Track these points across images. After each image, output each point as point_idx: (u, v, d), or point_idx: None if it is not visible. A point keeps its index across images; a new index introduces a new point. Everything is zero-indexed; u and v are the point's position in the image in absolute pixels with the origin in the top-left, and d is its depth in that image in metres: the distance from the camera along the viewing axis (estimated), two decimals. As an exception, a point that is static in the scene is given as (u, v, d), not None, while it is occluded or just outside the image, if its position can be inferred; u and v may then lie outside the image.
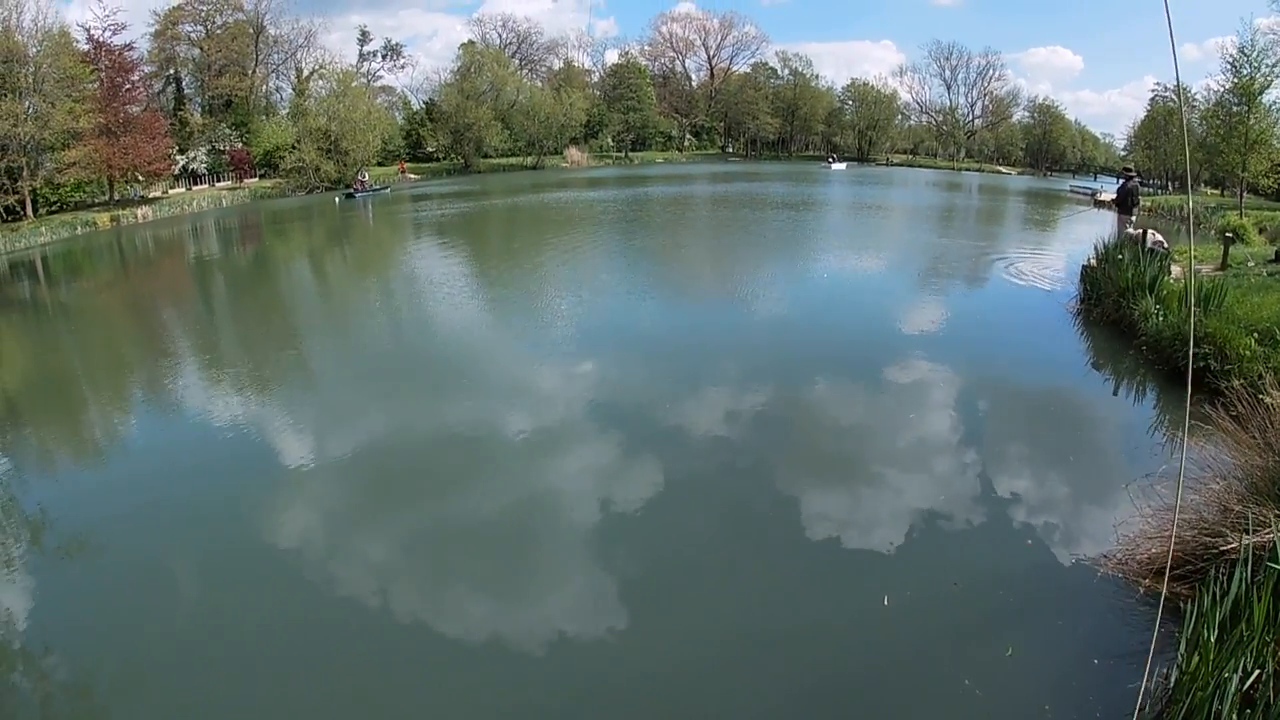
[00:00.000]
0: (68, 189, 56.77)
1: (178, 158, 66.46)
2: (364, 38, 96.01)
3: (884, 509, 8.60)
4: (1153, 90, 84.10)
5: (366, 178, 65.73)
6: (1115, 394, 12.99)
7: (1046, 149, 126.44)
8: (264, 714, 5.95)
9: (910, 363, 13.92)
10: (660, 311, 18.53)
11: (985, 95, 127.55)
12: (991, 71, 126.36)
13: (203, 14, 78.04)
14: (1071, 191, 70.60)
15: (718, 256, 28.05)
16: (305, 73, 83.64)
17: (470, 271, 25.23)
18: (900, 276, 23.24)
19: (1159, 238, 18.45)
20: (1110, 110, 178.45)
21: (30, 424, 13.65)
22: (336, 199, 58.63)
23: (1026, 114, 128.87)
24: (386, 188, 66.52)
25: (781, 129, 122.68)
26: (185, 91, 78.46)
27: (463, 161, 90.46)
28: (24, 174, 53.20)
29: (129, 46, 64.15)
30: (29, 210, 53.42)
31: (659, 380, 12.96)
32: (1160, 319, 13.56)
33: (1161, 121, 73.56)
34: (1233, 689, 4.73)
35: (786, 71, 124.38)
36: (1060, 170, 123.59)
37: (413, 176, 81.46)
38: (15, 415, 14.21)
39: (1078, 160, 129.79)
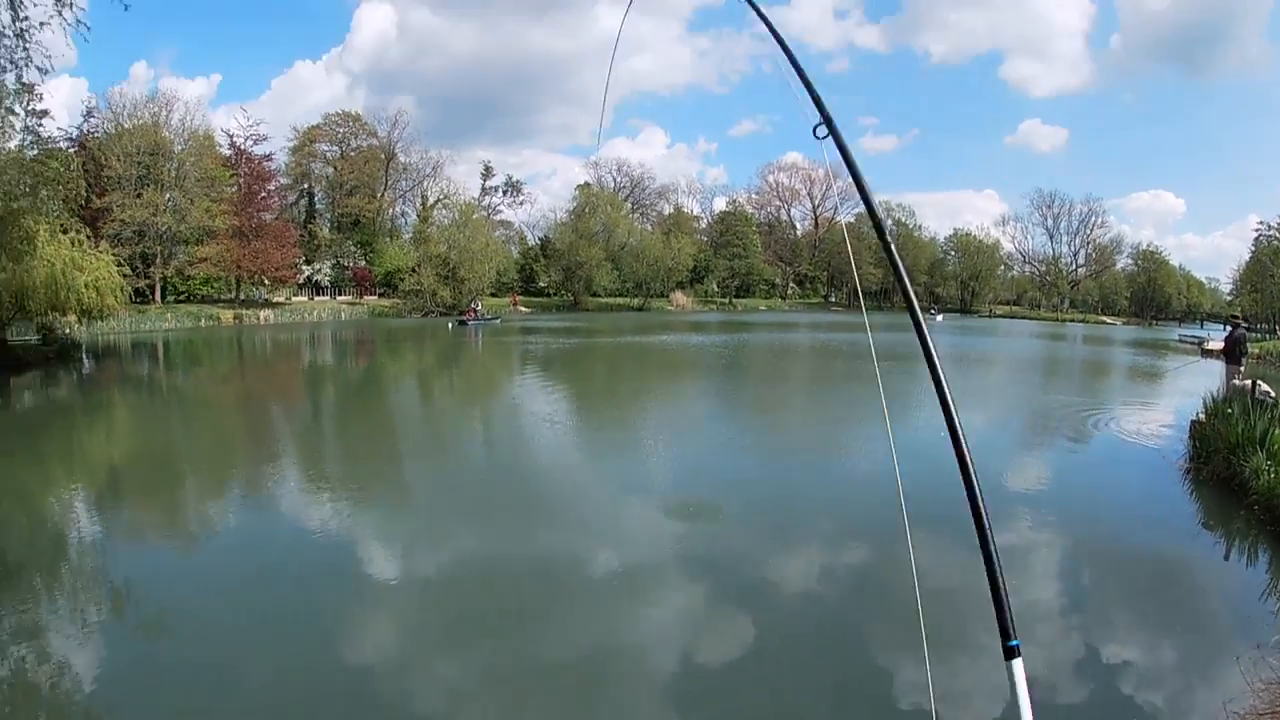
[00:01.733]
0: (196, 282, 60.46)
1: (304, 267, 70.40)
2: (487, 172, 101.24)
3: (985, 677, 8.21)
4: (1256, 229, 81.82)
5: (479, 306, 67.95)
6: (1225, 558, 12.33)
7: (1151, 297, 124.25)
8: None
9: (1011, 522, 13.43)
10: (758, 461, 18.13)
11: (1088, 243, 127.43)
12: (1094, 219, 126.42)
13: (339, 136, 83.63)
14: (1179, 341, 68.64)
15: (820, 407, 27.87)
16: (430, 201, 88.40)
17: (571, 406, 25.46)
18: (1003, 432, 22.67)
19: (1267, 388, 17.75)
20: (1215, 254, 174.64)
21: (129, 499, 14.18)
22: (450, 324, 60.47)
23: (1130, 261, 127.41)
24: (497, 318, 68.51)
25: (884, 279, 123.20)
26: (317, 206, 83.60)
27: (572, 298, 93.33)
28: (157, 261, 57.00)
29: (268, 157, 69.32)
30: (157, 296, 56.80)
31: (750, 530, 12.61)
32: (1272, 476, 12.91)
33: (1267, 262, 71.48)
34: None
35: (890, 221, 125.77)
36: (1166, 318, 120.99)
37: (523, 309, 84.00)
38: (116, 488, 14.88)
39: (1183, 307, 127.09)
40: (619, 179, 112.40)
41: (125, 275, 37.17)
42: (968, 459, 2.46)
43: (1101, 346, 63.81)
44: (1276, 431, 14.67)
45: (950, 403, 2.55)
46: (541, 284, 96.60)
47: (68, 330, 35.83)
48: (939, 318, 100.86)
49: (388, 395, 29.15)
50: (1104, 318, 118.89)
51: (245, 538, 11.90)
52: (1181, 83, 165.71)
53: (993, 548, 2.32)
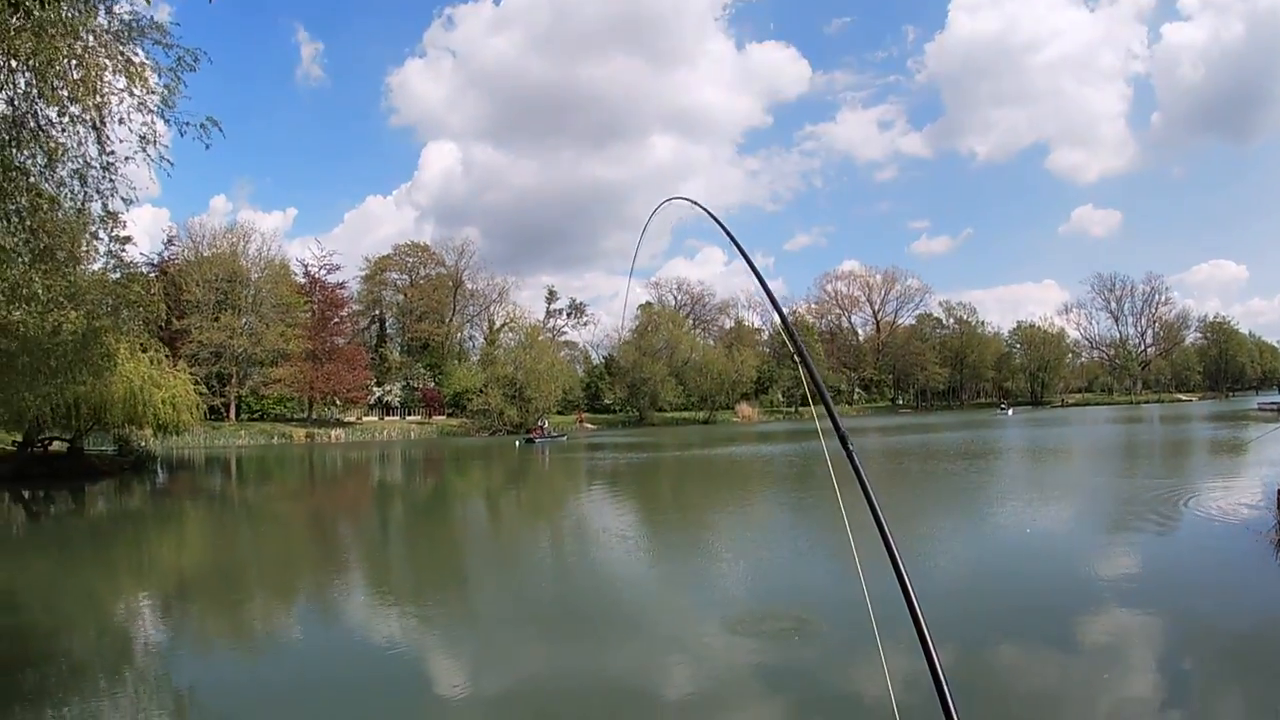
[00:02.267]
0: (270, 401, 62.62)
1: (374, 389, 72.36)
2: (551, 296, 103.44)
3: None
4: None
5: (546, 424, 68.59)
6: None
7: (1225, 368, 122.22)
8: None
9: (1099, 616, 12.74)
10: (830, 571, 17.58)
11: (1155, 322, 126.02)
12: (1157, 296, 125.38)
13: (408, 265, 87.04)
14: (1259, 409, 66.33)
15: (892, 511, 27.34)
16: (496, 324, 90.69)
17: (638, 521, 25.21)
18: (1083, 522, 21.87)
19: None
20: None
21: (196, 608, 14.21)
22: (517, 442, 60.85)
23: (1199, 335, 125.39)
24: (564, 435, 68.73)
25: (950, 378, 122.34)
26: (387, 330, 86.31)
27: (638, 414, 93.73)
28: (233, 381, 59.22)
29: (341, 285, 72.23)
30: (232, 414, 58.70)
31: (822, 644, 12.09)
32: (1368, 536, 12.30)
33: None
34: None
35: (951, 320, 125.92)
36: (1242, 389, 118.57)
37: (590, 426, 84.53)
38: (184, 596, 14.98)
39: (1259, 375, 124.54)
40: (680, 297, 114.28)
41: (201, 393, 38.69)
42: (903, 571, 2.44)
43: (1179, 425, 61.90)
44: None
45: (876, 506, 2.61)
46: (607, 401, 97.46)
47: (143, 443, 36.96)
48: (1009, 412, 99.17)
49: (455, 512, 29.18)
50: (1179, 395, 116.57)
51: (310, 651, 11.75)
52: (1226, 149, 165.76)
53: (940, 669, 2.18)
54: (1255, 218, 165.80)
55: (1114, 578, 14.92)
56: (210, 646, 12.03)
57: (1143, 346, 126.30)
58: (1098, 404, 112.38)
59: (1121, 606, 12.83)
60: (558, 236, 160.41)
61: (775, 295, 3.38)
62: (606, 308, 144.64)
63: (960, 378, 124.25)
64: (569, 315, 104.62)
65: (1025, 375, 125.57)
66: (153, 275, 56.44)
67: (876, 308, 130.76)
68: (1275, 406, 61.30)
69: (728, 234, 4.07)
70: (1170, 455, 40.86)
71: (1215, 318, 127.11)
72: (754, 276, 3.41)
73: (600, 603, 14.66)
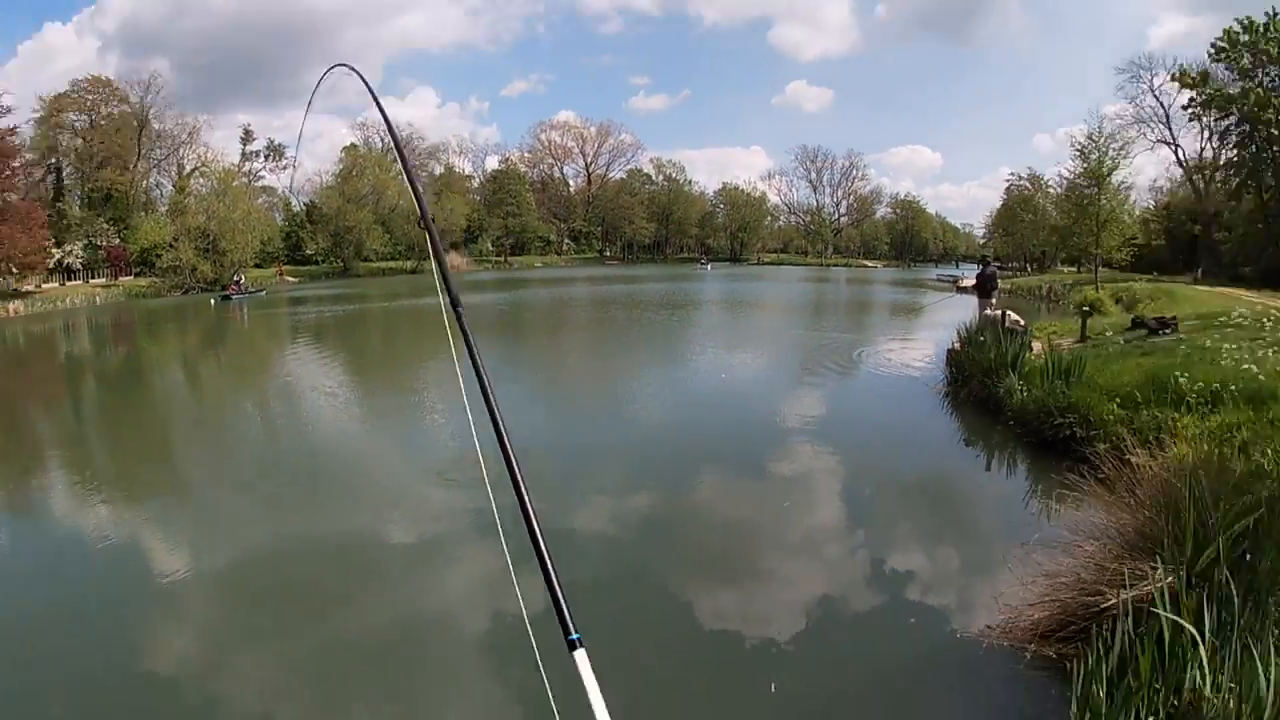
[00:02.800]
0: None
1: (53, 250, 64.08)
2: (247, 136, 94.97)
3: (767, 596, 8.59)
4: (1007, 180, 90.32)
5: (243, 280, 64.26)
6: (988, 469, 13.73)
7: (910, 242, 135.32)
8: None
9: (789, 454, 14.23)
10: (546, 415, 17.71)
11: (850, 195, 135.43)
12: (855, 171, 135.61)
13: (88, 103, 76.31)
14: (936, 280, 74.22)
15: (599, 356, 28.35)
16: (186, 169, 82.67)
17: (344, 378, 24.75)
18: (776, 370, 24.01)
19: (1016, 317, 19.88)
20: (969, 202, 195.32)
21: None
22: (212, 300, 57.00)
23: (890, 210, 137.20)
24: (263, 290, 64.96)
25: (657, 233, 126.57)
26: (65, 182, 76.16)
27: (342, 265, 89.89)
28: None
29: (12, 131, 62.23)
30: None
31: (538, 485, 12.42)
32: (1024, 394, 14.38)
33: (1017, 208, 78.83)
34: (1128, 740, 4.85)
35: (661, 177, 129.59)
36: (924, 261, 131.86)
37: (291, 279, 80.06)
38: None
39: (940, 251, 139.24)
40: (387, 140, 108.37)
41: None
42: (512, 457, 2.60)
43: (864, 287, 68.26)
44: (1027, 355, 16.44)
45: (494, 403, 2.72)
46: (309, 252, 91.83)
47: None
48: (708, 267, 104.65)
49: (151, 382, 27.36)
50: (865, 262, 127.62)
51: (15, 551, 10.95)
52: (940, 50, 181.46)
53: (544, 547, 2.41)
54: (955, 114, 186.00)
55: (803, 420, 16.93)
56: None
57: (837, 215, 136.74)
58: (791, 264, 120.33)
59: (809, 445, 14.83)
60: (257, 69, 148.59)
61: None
62: (309, 149, 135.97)
63: (666, 233, 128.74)
64: (267, 158, 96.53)
65: (727, 234, 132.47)
66: None
67: (589, 160, 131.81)
68: (951, 278, 68.54)
69: (385, 120, 4.48)
70: (855, 313, 45.18)
71: (906, 196, 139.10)
72: (401, 163, 3.65)
73: (311, 463, 14.50)
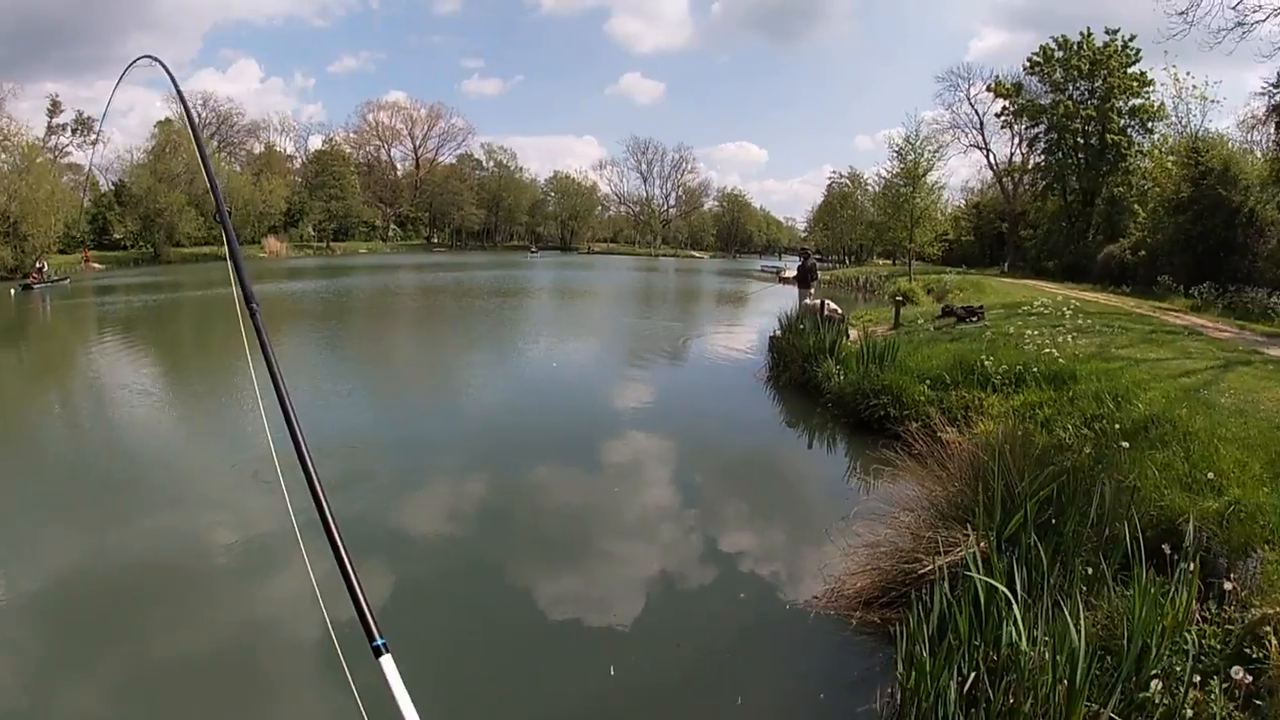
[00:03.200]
0: None
1: None
2: (54, 108, 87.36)
3: (603, 581, 8.59)
4: (829, 177, 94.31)
5: (45, 267, 59.12)
6: (809, 448, 14.09)
7: (736, 233, 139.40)
8: None
9: (620, 441, 14.21)
10: (370, 408, 17.07)
11: (679, 187, 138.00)
12: (685, 164, 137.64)
13: None
14: (761, 271, 76.36)
15: (428, 346, 27.65)
16: (-15, 143, 75.52)
17: (159, 373, 23.20)
18: (606, 357, 24.03)
19: (834, 307, 20.56)
20: (792, 197, 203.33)
21: None
22: (12, 290, 52.25)
23: (717, 203, 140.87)
24: (67, 278, 59.66)
25: (486, 220, 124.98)
26: None
27: (153, 250, 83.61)
28: None
29: None
30: None
31: (370, 478, 11.95)
32: (842, 378, 14.90)
33: (837, 204, 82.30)
34: (953, 694, 5.09)
35: (491, 163, 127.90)
36: (749, 252, 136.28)
37: (98, 266, 74.07)
38: None
39: (764, 243, 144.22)
40: (205, 114, 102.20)
41: None
42: (307, 459, 2.51)
43: (692, 276, 69.38)
44: (844, 341, 17.09)
45: (284, 393, 2.63)
46: (117, 235, 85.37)
47: None
48: (537, 255, 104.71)
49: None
50: (694, 252, 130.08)
51: None
52: (769, 47, 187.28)
53: (343, 550, 2.34)
54: (780, 110, 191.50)
55: (632, 407, 17.05)
56: None
57: (666, 207, 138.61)
58: (621, 254, 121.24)
59: (638, 431, 14.88)
60: (67, 33, 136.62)
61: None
62: (119, 124, 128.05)
63: (496, 220, 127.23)
64: (75, 132, 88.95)
65: (557, 222, 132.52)
66: None
67: (418, 143, 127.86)
68: (774, 269, 70.90)
69: (186, 111, 4.42)
70: (683, 302, 45.87)
71: (733, 190, 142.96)
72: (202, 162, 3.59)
73: (128, 466, 13.52)
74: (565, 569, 8.95)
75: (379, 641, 2.18)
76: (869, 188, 70.87)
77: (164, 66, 4.17)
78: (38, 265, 58.98)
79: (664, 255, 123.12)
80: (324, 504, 2.39)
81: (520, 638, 7.43)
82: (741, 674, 6.70)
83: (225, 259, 2.97)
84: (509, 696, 6.52)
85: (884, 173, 50.75)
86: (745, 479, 12.13)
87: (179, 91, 4.31)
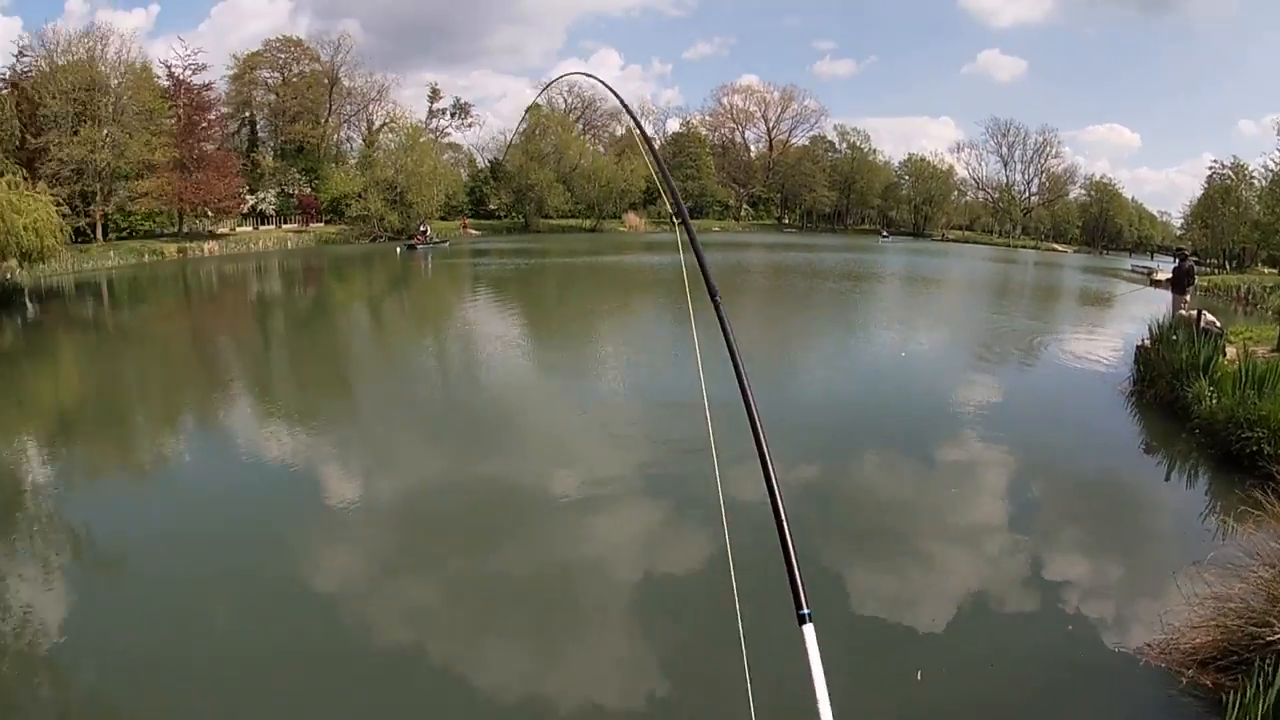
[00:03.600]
0: (138, 218, 59.32)
1: (247, 197, 69.05)
2: (434, 95, 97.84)
3: (927, 586, 8.19)
4: (1210, 167, 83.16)
5: (428, 230, 66.97)
6: (1166, 479, 12.68)
7: (1103, 227, 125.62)
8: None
9: (961, 441, 13.61)
10: (710, 380, 17.65)
11: (1042, 172, 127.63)
12: (1049, 148, 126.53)
13: (280, 62, 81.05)
14: (1130, 271, 69.75)
15: (771, 324, 27.80)
16: (375, 125, 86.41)
17: (525, 327, 25.28)
18: (955, 352, 22.96)
19: (1212, 318, 18.26)
20: (1168, 188, 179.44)
21: (80, 440, 13.99)
22: (398, 249, 59.73)
23: (1083, 192, 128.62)
24: (446, 241, 67.58)
25: (837, 202, 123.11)
26: (259, 134, 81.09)
27: (523, 221, 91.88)
28: (97, 199, 55.59)
29: (208, 86, 67.10)
30: (99, 234, 55.59)
31: (706, 450, 12.18)
32: (1214, 401, 13.24)
33: (1218, 199, 72.93)
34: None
35: (844, 145, 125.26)
36: (1116, 249, 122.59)
37: (474, 232, 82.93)
38: (67, 431, 14.63)
39: (1134, 239, 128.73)
40: (570, 100, 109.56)
41: (65, 215, 36.40)
42: (759, 426, 2.55)
43: (1053, 271, 64.77)
44: (1220, 360, 15.09)
45: (744, 375, 2.71)
46: (492, 207, 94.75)
47: (8, 275, 34.57)
48: (889, 239, 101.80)
49: (338, 323, 28.84)
50: (1055, 245, 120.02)
51: (200, 476, 11.86)
52: (1142, 20, 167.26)
53: (784, 520, 2.37)
54: (1157, 92, 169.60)
55: (979, 405, 16.06)
56: (99, 483, 11.95)
57: (1027, 194, 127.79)
58: (977, 243, 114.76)
59: (978, 433, 13.97)
60: (442, 31, 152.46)
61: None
62: (493, 109, 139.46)
63: (847, 202, 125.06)
64: (453, 116, 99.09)
65: (910, 207, 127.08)
66: (3, 91, 52.18)
67: (771, 125, 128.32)
68: (1146, 270, 63.82)
69: (623, 105, 4.72)
70: (1041, 298, 42.86)
71: (1101, 178, 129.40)
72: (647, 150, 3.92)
73: (489, 407, 15.00)
74: (882, 564, 8.87)
75: (805, 610, 2.27)
76: (1255, 181, 61.87)
77: (601, 81, 5.21)
78: (421, 228, 66.54)
79: (1023, 247, 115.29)
80: (773, 476, 2.48)
81: (825, 623, 7.30)
82: (1051, 708, 6.41)
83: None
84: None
85: (1273, 164, 44.11)
86: (1089, 501, 11.23)
87: (623, 103, 4.79)
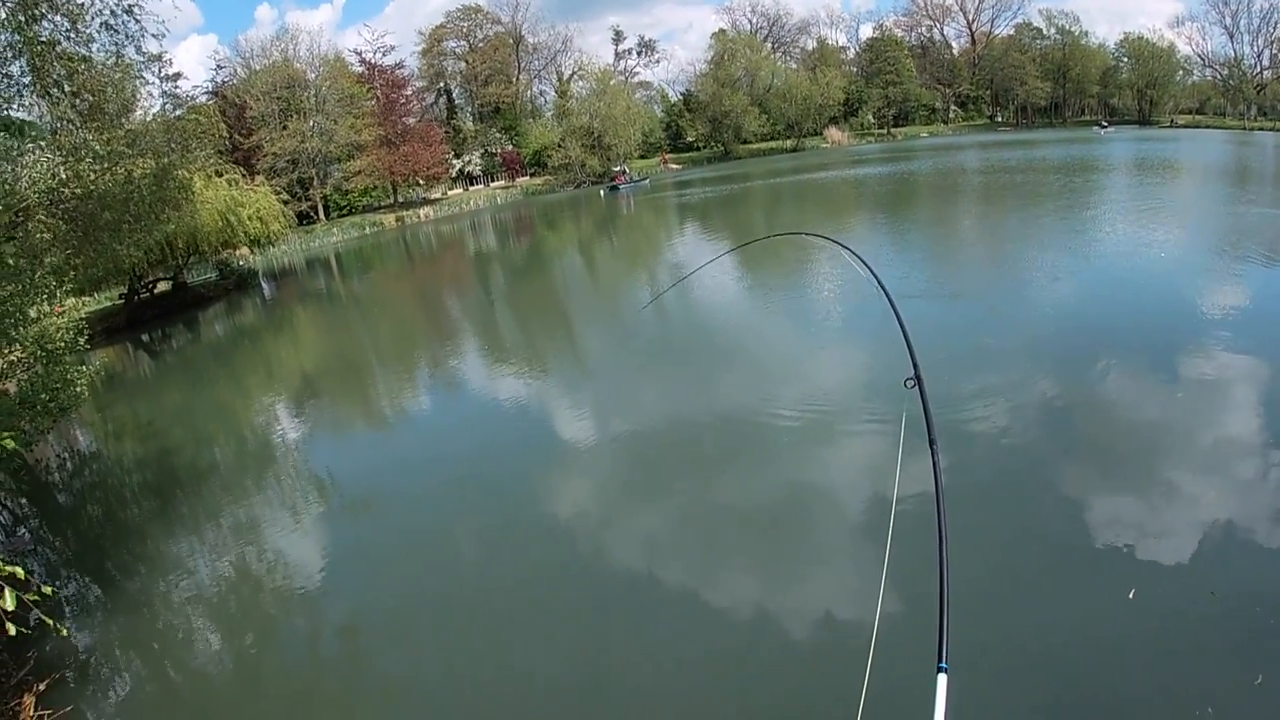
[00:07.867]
0: (355, 195, 63.82)
1: (454, 162, 72.24)
2: (618, 37, 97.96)
3: (1155, 506, 7.23)
4: None
5: (627, 170, 67.76)
6: None
7: None
8: (509, 665, 6.13)
9: (1208, 352, 11.49)
10: (937, 296, 15.81)
11: (1273, 43, 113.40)
12: (1276, 15, 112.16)
13: (464, 29, 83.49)
14: None
15: (984, 224, 25.98)
16: (565, 75, 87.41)
17: (730, 250, 24.77)
18: (1192, 251, 20.00)
19: None
20: None
21: (325, 398, 15.10)
22: (601, 192, 60.94)
23: None
24: (647, 179, 68.21)
25: (1053, 93, 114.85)
26: (456, 102, 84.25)
27: (722, 149, 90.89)
28: (314, 183, 60.49)
29: (399, 65, 70.99)
30: (322, 215, 60.49)
31: (933, 367, 11.41)
32: None
33: None
34: None
35: (1053, 31, 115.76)
36: None
37: (674, 166, 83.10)
38: (313, 390, 15.83)
39: None
40: (755, 20, 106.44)
41: (286, 201, 39.46)
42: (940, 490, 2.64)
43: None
44: None
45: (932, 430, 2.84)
46: (690, 139, 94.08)
47: (242, 261, 37.71)
48: (1108, 129, 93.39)
49: (552, 267, 29.45)
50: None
51: (438, 421, 12.65)
52: None
53: (944, 570, 2.42)
54: None
55: (1225, 311, 13.38)
56: (343, 433, 12.89)
57: (1258, 69, 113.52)
58: (1209, 127, 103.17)
59: (1225, 344, 11.32)
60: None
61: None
62: (680, 40, 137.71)
63: (1063, 93, 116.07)
64: (639, 54, 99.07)
65: (1133, 93, 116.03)
66: (210, 103, 56.44)
67: (971, 17, 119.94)
68: None
69: None
70: None
71: None
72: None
73: (706, 337, 14.84)
74: (1112, 480, 7.83)
75: (943, 664, 2.22)
76: None
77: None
78: (620, 169, 67.23)
79: (1259, 129, 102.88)
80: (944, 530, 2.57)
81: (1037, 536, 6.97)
82: (1273, 650, 5.33)
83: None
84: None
85: None
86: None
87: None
